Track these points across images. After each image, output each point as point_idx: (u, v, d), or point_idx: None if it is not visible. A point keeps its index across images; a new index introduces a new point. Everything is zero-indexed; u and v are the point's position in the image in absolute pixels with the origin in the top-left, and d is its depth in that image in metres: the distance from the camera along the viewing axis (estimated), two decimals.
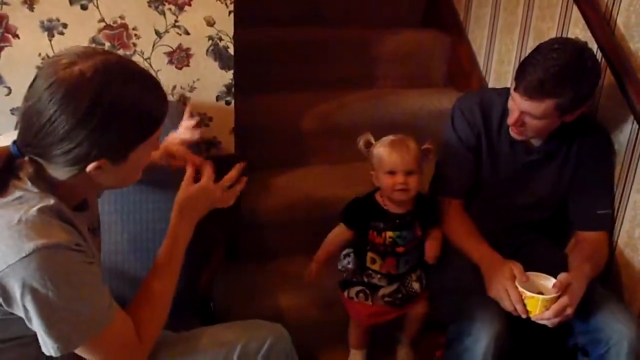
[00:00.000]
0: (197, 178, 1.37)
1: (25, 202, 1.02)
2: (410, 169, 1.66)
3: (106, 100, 1.00)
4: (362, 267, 1.77)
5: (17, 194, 1.03)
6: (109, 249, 1.55)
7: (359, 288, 1.78)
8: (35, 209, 1.01)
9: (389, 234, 1.71)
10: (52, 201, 1.03)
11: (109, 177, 1.09)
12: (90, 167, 1.04)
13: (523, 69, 1.57)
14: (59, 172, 1.05)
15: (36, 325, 1.01)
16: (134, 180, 1.18)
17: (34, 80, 1.02)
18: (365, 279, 1.78)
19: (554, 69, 1.51)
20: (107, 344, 1.09)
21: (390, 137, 1.71)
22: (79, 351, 1.07)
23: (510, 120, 1.65)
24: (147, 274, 1.25)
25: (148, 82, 1.08)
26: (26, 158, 1.06)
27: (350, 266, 1.80)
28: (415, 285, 1.79)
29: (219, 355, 1.25)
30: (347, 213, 1.76)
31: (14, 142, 1.06)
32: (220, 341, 1.27)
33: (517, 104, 1.60)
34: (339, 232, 1.77)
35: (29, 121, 1.01)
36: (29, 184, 1.05)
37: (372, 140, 1.72)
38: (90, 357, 1.09)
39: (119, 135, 1.04)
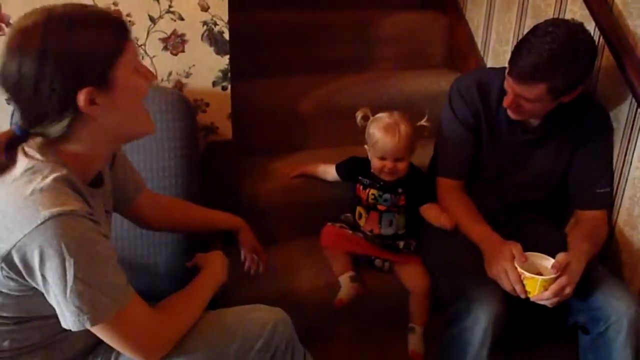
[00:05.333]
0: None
1: (37, 172, 1.02)
2: (400, 156, 1.79)
3: (61, 18, 1.02)
4: (356, 223, 1.94)
5: (28, 165, 1.03)
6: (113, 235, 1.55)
7: (344, 224, 1.93)
8: (48, 178, 1.01)
9: (372, 191, 1.87)
10: (64, 171, 1.04)
11: (111, 114, 1.07)
12: (81, 102, 1.02)
13: (516, 53, 1.57)
14: (59, 127, 1.04)
15: (54, 295, 1.01)
16: (143, 121, 1.16)
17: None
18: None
19: (546, 53, 1.50)
20: (126, 326, 1.08)
21: (386, 119, 1.80)
22: (95, 331, 1.06)
23: (506, 102, 1.65)
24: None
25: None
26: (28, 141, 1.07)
27: (349, 215, 1.97)
28: (400, 244, 1.88)
29: (221, 340, 1.25)
30: (341, 163, 1.97)
31: (16, 123, 1.07)
32: (222, 326, 1.27)
33: (511, 87, 1.60)
34: (326, 170, 2.00)
35: (14, 88, 1.02)
36: (39, 155, 1.05)
37: (370, 115, 1.85)
38: (107, 339, 1.09)
39: (87, 52, 1.03)
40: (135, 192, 1.44)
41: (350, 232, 1.92)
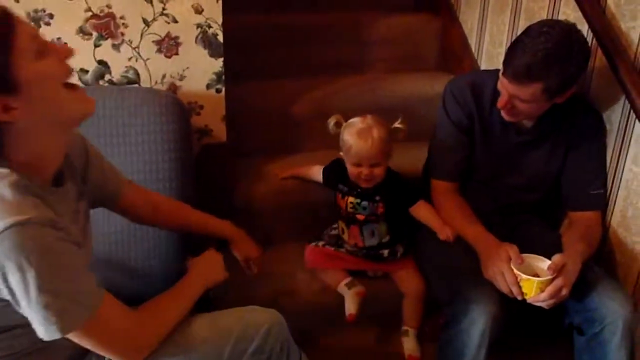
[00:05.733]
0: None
1: None
2: (375, 161, 1.75)
3: None
4: (340, 239, 1.91)
5: None
6: (99, 240, 1.54)
7: (326, 243, 1.92)
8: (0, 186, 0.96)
9: (350, 199, 1.83)
10: (14, 177, 0.98)
11: (34, 112, 0.98)
12: None
13: (511, 53, 1.57)
14: None
15: (23, 307, 0.98)
16: (74, 104, 1.04)
17: None
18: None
19: (541, 53, 1.50)
20: (100, 329, 1.06)
21: (358, 124, 1.76)
22: (71, 338, 1.04)
23: (500, 103, 1.65)
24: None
25: None
26: None
27: (333, 232, 1.94)
28: (384, 252, 1.86)
29: (215, 341, 1.24)
30: (327, 166, 1.94)
31: None
32: (216, 327, 1.27)
33: (506, 87, 1.60)
34: (316, 171, 1.97)
35: None
36: None
37: (342, 121, 1.81)
38: (85, 344, 1.07)
39: None
40: (117, 188, 1.40)
41: (333, 249, 1.90)
